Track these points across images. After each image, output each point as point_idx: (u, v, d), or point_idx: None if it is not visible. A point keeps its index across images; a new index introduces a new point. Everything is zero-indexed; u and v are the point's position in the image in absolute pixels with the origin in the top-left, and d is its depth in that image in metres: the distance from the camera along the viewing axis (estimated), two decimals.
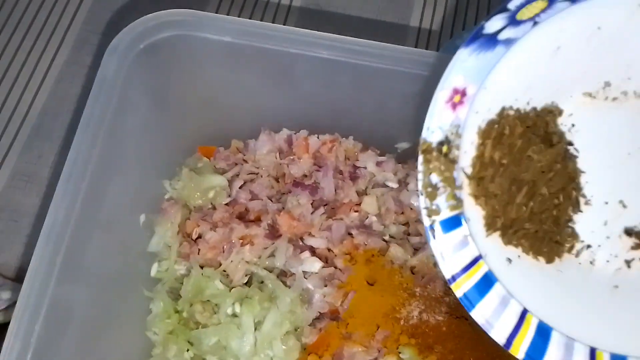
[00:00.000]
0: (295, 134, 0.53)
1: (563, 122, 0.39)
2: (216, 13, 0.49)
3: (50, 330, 0.36)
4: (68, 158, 0.38)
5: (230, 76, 0.48)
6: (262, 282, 0.49)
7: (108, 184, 0.41)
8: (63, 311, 0.38)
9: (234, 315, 0.47)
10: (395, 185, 0.52)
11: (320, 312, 0.47)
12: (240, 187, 0.52)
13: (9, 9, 0.67)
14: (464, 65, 0.36)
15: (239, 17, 0.45)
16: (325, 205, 0.51)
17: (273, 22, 0.45)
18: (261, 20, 0.45)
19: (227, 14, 0.45)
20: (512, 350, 0.36)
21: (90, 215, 0.39)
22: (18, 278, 0.54)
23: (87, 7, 0.67)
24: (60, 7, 0.67)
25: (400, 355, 0.44)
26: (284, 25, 0.44)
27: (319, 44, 0.44)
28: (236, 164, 0.54)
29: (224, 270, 0.49)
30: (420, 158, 0.37)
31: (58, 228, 0.37)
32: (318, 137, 0.53)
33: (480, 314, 0.37)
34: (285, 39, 0.43)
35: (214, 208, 0.52)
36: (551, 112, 0.39)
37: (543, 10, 0.35)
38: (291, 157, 0.53)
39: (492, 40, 0.36)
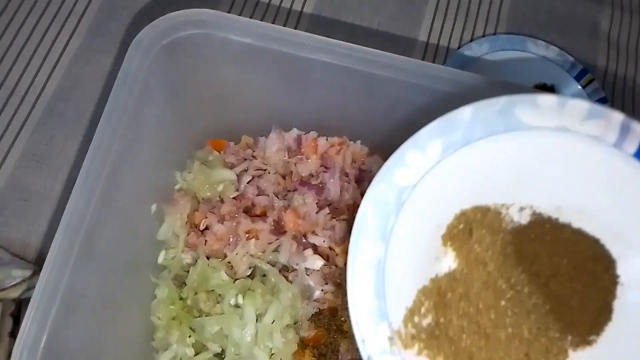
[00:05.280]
0: (304, 134, 0.55)
1: None
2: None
3: (64, 314, 0.37)
4: (91, 146, 0.39)
5: (246, 76, 0.49)
6: (264, 275, 0.51)
7: (125, 173, 0.43)
8: (76, 296, 0.39)
9: (237, 306, 0.49)
10: None
11: (320, 308, 0.49)
12: (248, 182, 0.54)
13: None
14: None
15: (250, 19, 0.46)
16: (330, 205, 0.53)
17: (284, 27, 0.46)
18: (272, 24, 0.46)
19: (239, 16, 0.46)
20: None
21: (108, 203, 0.41)
22: (26, 256, 0.56)
23: None
24: None
25: None
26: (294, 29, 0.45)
27: (335, 51, 0.45)
28: (245, 159, 0.55)
29: (229, 262, 0.51)
30: None
31: (78, 214, 0.38)
32: (327, 139, 0.54)
33: None
34: (304, 45, 0.45)
35: (222, 201, 0.53)
36: None
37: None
38: (299, 157, 0.54)
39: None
